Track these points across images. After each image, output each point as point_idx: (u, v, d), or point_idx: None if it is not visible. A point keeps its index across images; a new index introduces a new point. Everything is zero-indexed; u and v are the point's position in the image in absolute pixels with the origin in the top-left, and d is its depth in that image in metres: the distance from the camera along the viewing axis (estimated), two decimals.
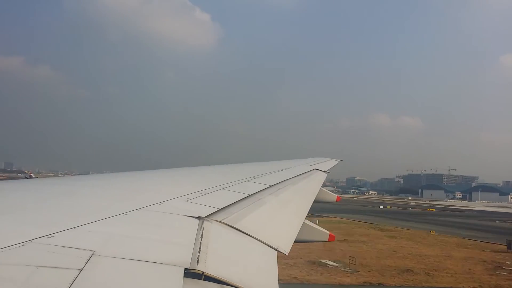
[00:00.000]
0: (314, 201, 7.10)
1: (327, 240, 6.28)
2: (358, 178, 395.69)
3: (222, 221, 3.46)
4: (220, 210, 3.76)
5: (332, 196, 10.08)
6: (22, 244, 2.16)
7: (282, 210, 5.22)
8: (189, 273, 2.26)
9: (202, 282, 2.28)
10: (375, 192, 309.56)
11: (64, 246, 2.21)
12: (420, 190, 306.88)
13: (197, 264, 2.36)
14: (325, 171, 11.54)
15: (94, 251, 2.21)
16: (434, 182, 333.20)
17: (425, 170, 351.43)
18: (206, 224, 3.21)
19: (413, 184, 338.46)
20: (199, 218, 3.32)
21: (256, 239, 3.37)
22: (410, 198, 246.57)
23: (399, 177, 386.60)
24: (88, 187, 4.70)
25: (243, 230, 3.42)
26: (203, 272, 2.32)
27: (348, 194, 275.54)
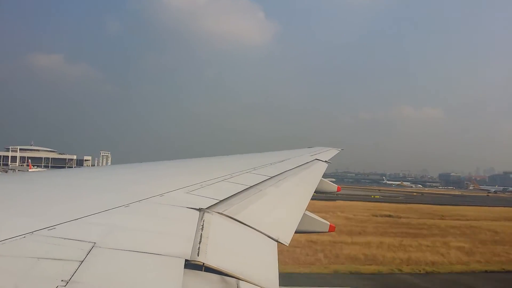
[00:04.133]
0: (315, 192, 7.12)
1: (327, 230, 6.30)
2: (454, 174, 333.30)
3: (223, 212, 3.46)
4: (220, 201, 3.76)
5: (333, 187, 10.08)
6: (23, 236, 2.17)
7: (282, 202, 5.24)
8: (190, 265, 2.26)
9: (202, 273, 2.29)
10: None
11: (65, 238, 2.22)
12: None
13: (198, 256, 2.37)
14: (325, 161, 11.56)
15: (95, 243, 2.21)
16: None
17: None
18: (206, 215, 3.22)
19: None
20: (199, 209, 3.32)
21: (257, 230, 3.38)
22: None
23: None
24: (89, 179, 4.71)
25: (243, 222, 3.43)
26: (203, 263, 2.33)
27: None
